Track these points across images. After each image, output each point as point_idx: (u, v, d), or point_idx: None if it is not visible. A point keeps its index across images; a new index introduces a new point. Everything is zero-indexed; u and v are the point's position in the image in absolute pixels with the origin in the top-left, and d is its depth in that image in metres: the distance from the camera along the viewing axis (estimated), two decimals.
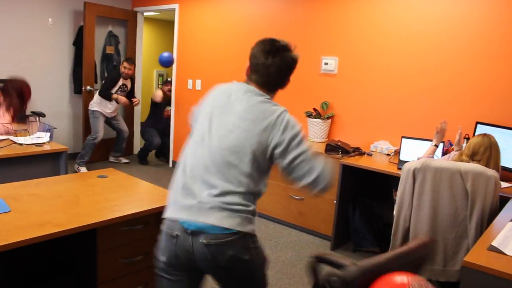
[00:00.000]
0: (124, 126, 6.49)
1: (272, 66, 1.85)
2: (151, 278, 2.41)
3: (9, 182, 2.58)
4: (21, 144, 3.57)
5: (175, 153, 6.69)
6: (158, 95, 6.68)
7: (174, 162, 6.72)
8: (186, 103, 6.37)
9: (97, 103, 6.01)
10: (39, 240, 1.81)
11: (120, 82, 6.05)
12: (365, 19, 4.46)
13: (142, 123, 7.14)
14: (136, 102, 6.29)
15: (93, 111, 6.03)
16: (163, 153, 7.04)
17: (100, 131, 6.04)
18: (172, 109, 6.64)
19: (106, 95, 5.93)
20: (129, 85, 6.21)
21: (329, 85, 4.77)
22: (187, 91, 6.37)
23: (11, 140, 3.66)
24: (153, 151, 7.05)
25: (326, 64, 4.75)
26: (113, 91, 6.00)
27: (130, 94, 6.27)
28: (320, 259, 1.41)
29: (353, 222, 3.97)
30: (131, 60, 6.15)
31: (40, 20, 6.15)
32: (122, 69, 6.03)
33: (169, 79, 6.92)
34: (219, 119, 1.84)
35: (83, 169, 5.98)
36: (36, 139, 3.68)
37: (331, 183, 1.83)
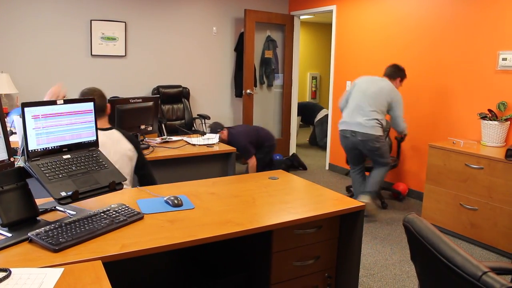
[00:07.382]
0: None
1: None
2: (321, 282, 2.36)
3: (184, 180, 2.74)
4: (194, 145, 3.80)
5: (332, 156, 6.62)
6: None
7: (330, 165, 6.65)
8: None
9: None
10: (223, 238, 1.85)
11: None
12: None
13: None
14: None
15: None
16: None
17: None
18: (330, 112, 6.57)
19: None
20: None
21: (508, 84, 4.26)
22: None
23: (185, 141, 3.93)
24: None
25: (504, 59, 4.26)
26: None
27: None
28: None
29: None
30: None
31: (205, 29, 6.58)
32: None
33: (218, 130, 5.08)
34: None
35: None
36: (207, 140, 3.90)
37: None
